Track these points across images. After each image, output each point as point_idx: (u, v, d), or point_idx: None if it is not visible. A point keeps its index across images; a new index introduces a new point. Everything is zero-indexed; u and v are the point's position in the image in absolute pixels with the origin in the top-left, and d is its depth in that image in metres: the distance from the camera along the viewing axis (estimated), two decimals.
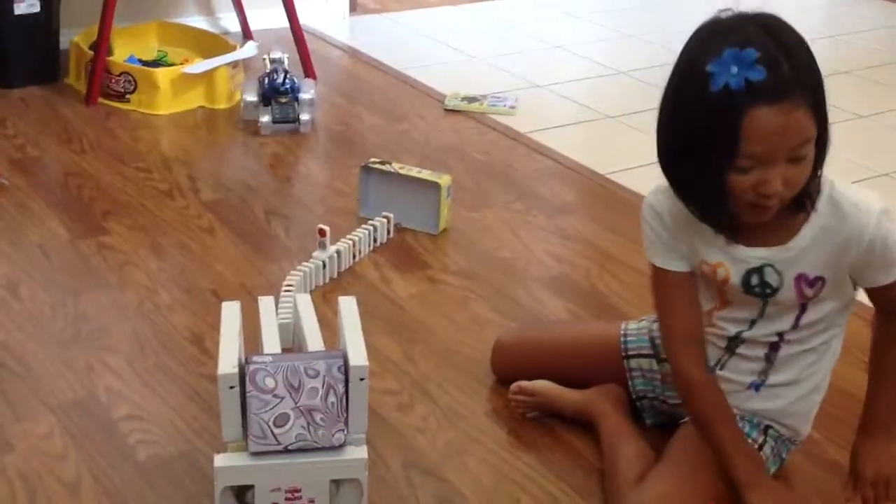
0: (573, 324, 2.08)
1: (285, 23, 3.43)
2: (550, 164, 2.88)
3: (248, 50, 3.31)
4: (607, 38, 4.13)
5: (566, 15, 4.41)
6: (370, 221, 2.39)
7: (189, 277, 2.23)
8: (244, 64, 3.34)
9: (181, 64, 3.24)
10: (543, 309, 2.17)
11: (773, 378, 1.59)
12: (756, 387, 1.59)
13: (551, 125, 3.16)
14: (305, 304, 1.74)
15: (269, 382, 1.45)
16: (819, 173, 1.43)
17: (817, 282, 1.49)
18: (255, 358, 1.47)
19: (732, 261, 1.50)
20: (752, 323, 1.56)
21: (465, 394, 1.87)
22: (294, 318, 1.86)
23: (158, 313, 2.08)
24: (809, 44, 1.38)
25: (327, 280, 2.23)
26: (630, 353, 1.75)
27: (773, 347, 1.57)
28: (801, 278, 1.49)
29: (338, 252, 2.25)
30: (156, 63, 3.33)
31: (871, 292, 1.52)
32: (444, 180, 2.45)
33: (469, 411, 1.83)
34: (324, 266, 2.21)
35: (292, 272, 2.16)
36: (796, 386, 1.59)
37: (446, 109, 3.23)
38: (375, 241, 2.38)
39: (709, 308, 1.58)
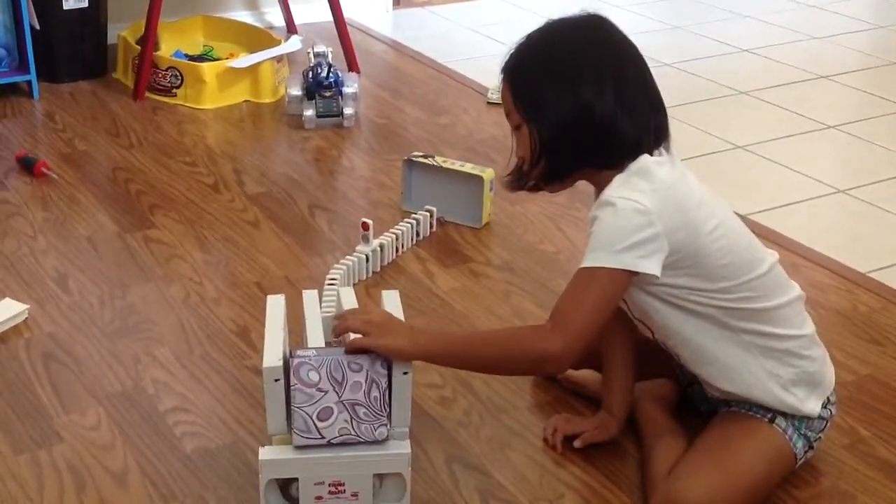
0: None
1: (329, 16, 3.45)
2: None
3: (293, 44, 3.32)
4: (653, 29, 4.10)
5: (611, 6, 4.37)
6: (413, 215, 2.39)
7: (234, 270, 2.25)
8: (289, 58, 3.35)
9: (227, 58, 3.27)
10: None
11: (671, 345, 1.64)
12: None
13: None
14: (349, 297, 1.75)
15: (313, 376, 1.46)
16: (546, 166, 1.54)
17: None
18: (300, 352, 1.48)
19: None
20: None
21: (508, 387, 1.87)
22: (338, 311, 1.87)
23: (204, 306, 2.11)
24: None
25: (370, 274, 2.23)
26: None
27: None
28: None
29: (381, 246, 2.25)
30: (202, 58, 3.35)
31: None
32: (488, 174, 2.44)
33: (511, 405, 1.83)
34: (367, 260, 2.22)
35: (336, 265, 2.17)
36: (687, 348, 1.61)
37: (489, 102, 3.22)
38: (418, 234, 2.39)
39: None
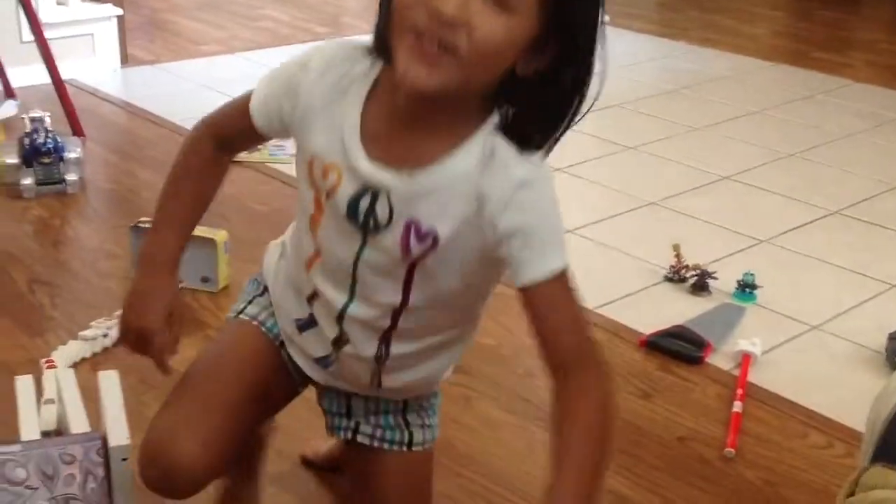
0: None
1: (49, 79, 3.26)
2: None
3: (7, 109, 3.13)
4: None
5: None
6: None
7: None
8: (4, 125, 3.14)
9: None
10: None
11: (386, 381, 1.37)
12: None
13: None
14: (68, 380, 1.63)
15: (20, 473, 1.34)
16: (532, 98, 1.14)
17: (427, 238, 1.19)
18: (3, 448, 1.35)
19: (349, 170, 1.20)
20: (352, 292, 1.27)
21: None
22: (57, 396, 1.73)
23: None
24: None
25: (99, 350, 2.09)
26: None
27: (384, 342, 1.30)
28: (411, 226, 1.19)
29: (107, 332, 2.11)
30: None
31: (522, 296, 1.16)
32: (220, 236, 2.36)
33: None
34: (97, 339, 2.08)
35: (60, 346, 2.03)
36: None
37: None
38: None
39: (308, 256, 1.31)
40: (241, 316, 1.44)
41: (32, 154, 2.81)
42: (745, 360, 2.10)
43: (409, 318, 1.28)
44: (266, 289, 1.45)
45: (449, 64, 1.07)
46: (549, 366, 1.16)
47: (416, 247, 1.20)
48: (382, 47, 1.16)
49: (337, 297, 1.28)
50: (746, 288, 2.39)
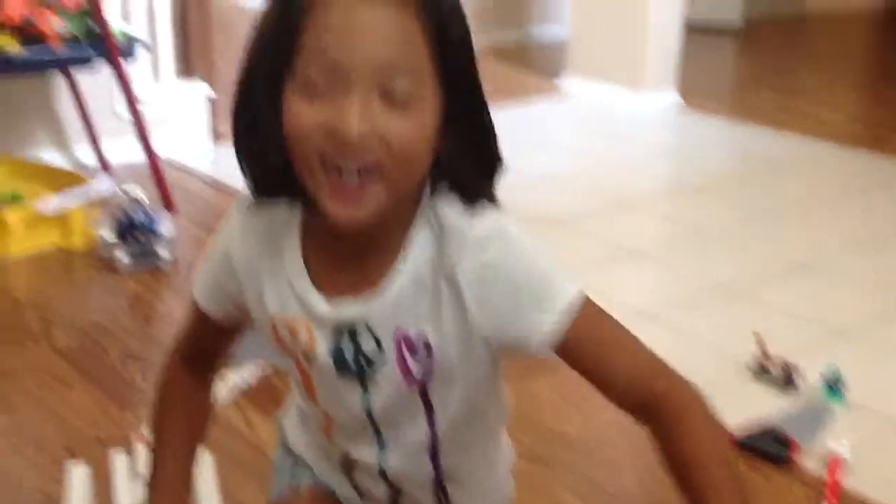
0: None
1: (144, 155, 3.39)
2: None
3: (103, 185, 3.24)
4: None
5: None
6: (240, 371, 2.32)
7: (40, 432, 2.11)
8: (100, 200, 3.26)
9: (34, 202, 3.15)
10: None
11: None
12: None
13: None
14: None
15: None
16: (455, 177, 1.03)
17: (420, 347, 1.05)
18: None
19: (314, 320, 1.07)
20: (381, 442, 1.15)
21: None
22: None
23: (6, 475, 1.96)
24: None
25: None
26: None
27: (437, 484, 1.19)
28: (401, 343, 1.06)
29: None
30: (8, 201, 3.22)
31: (561, 357, 1.02)
32: None
33: None
34: None
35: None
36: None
37: None
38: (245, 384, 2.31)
39: (322, 424, 1.19)
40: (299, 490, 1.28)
41: (128, 229, 2.91)
42: (834, 462, 2.05)
43: (448, 452, 1.16)
44: (297, 458, 1.31)
45: (378, 187, 0.96)
46: (627, 410, 1.02)
47: (414, 364, 1.06)
48: (286, 183, 1.02)
49: (370, 454, 1.17)
50: (834, 384, 2.34)
